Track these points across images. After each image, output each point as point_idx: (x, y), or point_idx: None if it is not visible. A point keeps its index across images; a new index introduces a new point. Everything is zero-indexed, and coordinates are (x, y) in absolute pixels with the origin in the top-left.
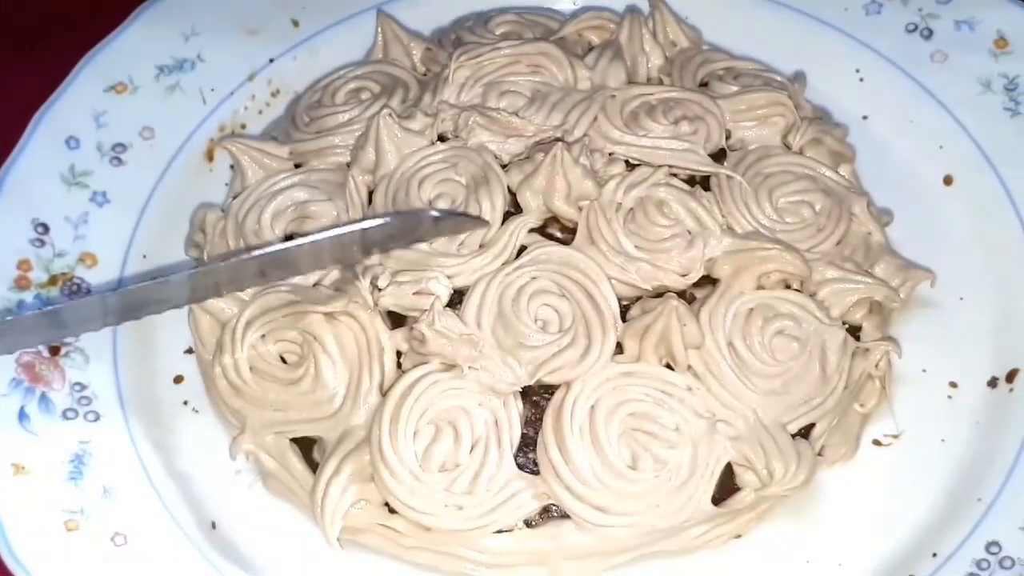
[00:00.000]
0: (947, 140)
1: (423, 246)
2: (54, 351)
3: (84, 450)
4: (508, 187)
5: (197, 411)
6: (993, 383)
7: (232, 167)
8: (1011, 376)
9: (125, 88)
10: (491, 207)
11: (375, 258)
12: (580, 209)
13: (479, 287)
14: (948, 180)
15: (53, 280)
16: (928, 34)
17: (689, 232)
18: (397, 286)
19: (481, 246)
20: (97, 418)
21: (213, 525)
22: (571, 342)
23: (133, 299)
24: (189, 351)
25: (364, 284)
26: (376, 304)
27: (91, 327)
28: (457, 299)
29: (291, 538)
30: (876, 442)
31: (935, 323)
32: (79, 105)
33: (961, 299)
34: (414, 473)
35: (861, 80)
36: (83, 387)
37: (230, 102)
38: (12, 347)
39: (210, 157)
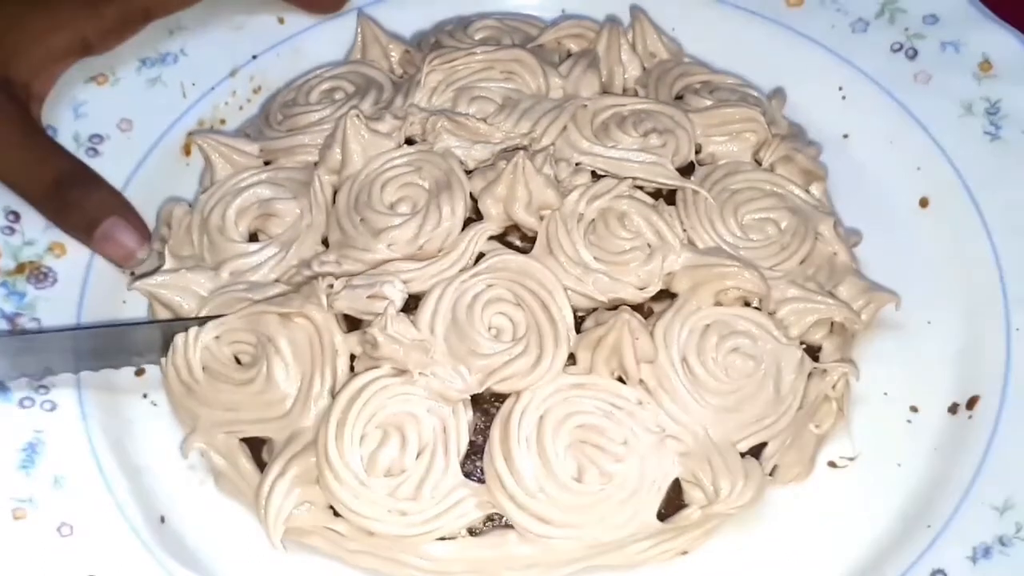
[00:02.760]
0: (925, 162)
1: (382, 247)
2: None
3: (38, 439)
4: (471, 193)
5: (156, 404)
6: (954, 409)
7: None
8: (971, 403)
9: (106, 79)
10: (451, 212)
11: (331, 257)
12: (542, 218)
13: (435, 293)
14: (924, 202)
15: (20, 268)
16: (913, 54)
17: (649, 245)
18: (351, 289)
19: (440, 251)
20: (53, 407)
21: (162, 519)
22: (523, 351)
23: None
24: None
25: (320, 285)
26: (330, 306)
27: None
28: (413, 304)
29: (239, 537)
30: (831, 463)
31: (901, 346)
32: (58, 95)
33: (929, 323)
34: (359, 477)
35: (843, 98)
36: None
37: (211, 97)
38: None
39: (187, 151)
